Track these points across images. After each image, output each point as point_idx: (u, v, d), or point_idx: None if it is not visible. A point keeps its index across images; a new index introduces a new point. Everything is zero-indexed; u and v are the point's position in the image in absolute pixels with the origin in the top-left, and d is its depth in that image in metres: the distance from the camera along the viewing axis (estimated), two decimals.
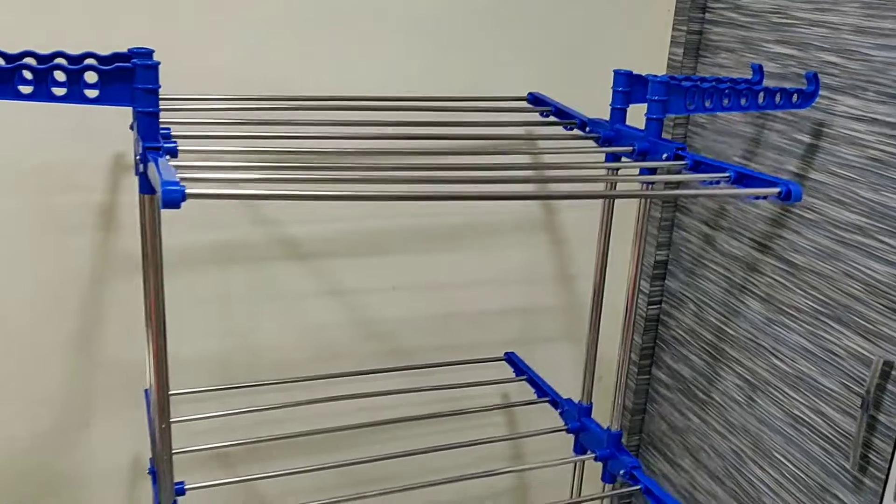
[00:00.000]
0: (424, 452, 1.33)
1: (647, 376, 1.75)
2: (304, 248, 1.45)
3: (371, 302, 1.52)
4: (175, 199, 0.72)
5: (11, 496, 1.39)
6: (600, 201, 1.35)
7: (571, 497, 1.28)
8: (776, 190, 0.95)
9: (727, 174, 1.01)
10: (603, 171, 1.22)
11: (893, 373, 1.19)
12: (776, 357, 1.40)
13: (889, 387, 1.20)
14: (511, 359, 1.59)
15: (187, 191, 0.74)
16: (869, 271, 1.22)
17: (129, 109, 1.27)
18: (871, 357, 1.22)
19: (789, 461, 1.39)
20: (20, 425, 1.37)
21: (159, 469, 1.10)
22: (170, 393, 1.40)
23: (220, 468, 1.51)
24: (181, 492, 1.17)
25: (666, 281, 1.68)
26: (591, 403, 1.39)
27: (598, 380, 1.72)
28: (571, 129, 1.32)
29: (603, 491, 1.30)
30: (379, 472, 1.58)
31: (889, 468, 1.21)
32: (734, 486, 1.52)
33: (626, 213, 1.64)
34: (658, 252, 1.66)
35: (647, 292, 1.69)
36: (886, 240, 1.19)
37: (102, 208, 1.32)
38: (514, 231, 1.58)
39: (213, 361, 1.45)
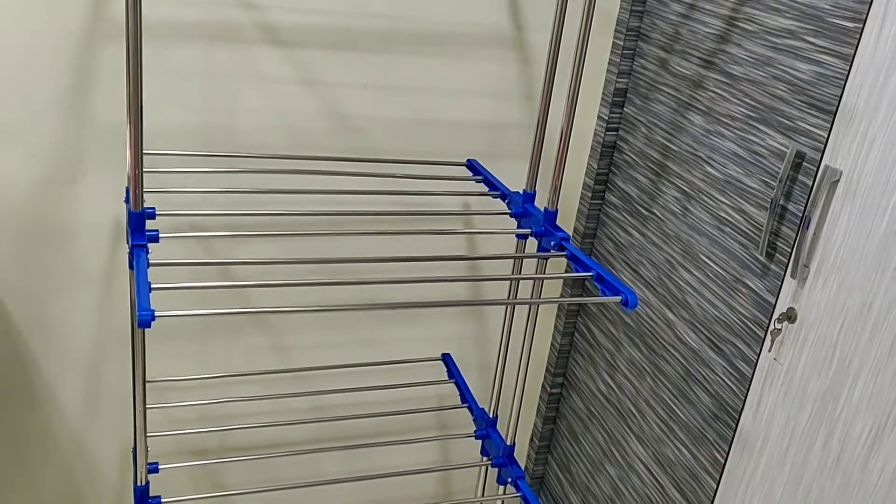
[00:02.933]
0: (387, 221, 1.45)
1: (601, 201, 1.86)
2: (286, 35, 1.55)
3: (344, 96, 1.63)
4: None
5: (7, 235, 1.53)
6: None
7: (514, 253, 1.42)
8: None
9: None
10: None
11: (804, 164, 1.31)
12: (710, 165, 1.52)
13: (800, 177, 1.31)
14: (472, 165, 1.71)
15: None
16: (794, 71, 1.32)
17: None
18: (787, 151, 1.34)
19: (712, 261, 1.52)
20: (17, 173, 1.50)
21: (133, 195, 1.23)
22: (145, 152, 1.53)
23: (197, 244, 1.65)
24: (152, 216, 1.30)
25: (624, 108, 1.78)
26: (534, 192, 1.51)
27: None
28: None
29: (538, 262, 1.44)
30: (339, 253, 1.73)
31: (791, 252, 1.33)
32: (665, 291, 1.66)
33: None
34: (619, 80, 1.76)
35: (606, 119, 1.79)
36: (812, 40, 1.29)
37: None
38: (486, 45, 1.68)
39: (193, 133, 1.57)
